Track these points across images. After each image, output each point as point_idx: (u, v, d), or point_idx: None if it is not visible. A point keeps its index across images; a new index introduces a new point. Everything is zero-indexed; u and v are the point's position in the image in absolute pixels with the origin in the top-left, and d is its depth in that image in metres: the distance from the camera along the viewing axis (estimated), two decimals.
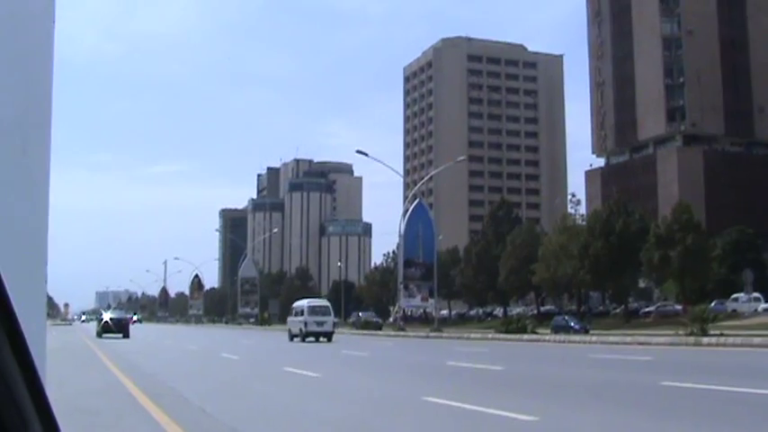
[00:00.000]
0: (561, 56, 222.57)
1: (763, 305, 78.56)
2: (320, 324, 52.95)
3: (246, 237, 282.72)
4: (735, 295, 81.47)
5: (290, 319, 58.37)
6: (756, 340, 35.34)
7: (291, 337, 55.03)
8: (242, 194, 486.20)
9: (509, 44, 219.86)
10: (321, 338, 52.07)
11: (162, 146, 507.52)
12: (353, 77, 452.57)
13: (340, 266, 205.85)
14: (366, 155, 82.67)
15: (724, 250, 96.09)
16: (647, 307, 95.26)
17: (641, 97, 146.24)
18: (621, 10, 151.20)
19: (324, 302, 60.17)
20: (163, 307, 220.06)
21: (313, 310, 54.24)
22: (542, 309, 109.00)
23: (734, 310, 76.50)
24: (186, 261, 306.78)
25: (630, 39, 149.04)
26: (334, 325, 57.31)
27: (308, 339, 51.93)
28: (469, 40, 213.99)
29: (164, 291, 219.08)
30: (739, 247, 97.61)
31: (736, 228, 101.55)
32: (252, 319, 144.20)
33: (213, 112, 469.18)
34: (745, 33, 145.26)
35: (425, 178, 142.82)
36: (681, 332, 42.10)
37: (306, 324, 52.75)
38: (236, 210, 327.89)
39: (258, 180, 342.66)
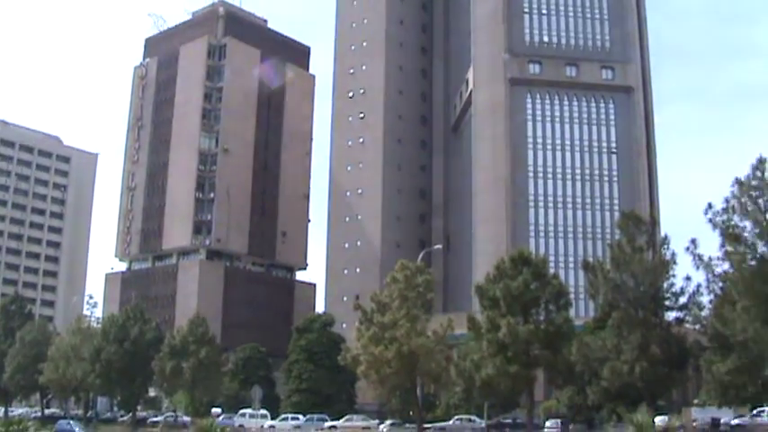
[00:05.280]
0: (96, 155, 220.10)
1: (269, 422, 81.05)
2: None
3: None
4: (243, 410, 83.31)
5: None
6: None
7: None
8: None
9: (46, 135, 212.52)
10: None
11: None
12: None
13: None
14: None
15: (236, 366, 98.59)
16: (156, 416, 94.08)
17: (171, 207, 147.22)
18: (163, 119, 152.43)
19: None
20: None
21: None
22: (47, 411, 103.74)
23: (241, 425, 78.37)
24: None
25: (168, 148, 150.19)
26: None
27: None
28: (6, 123, 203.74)
29: None
30: (251, 363, 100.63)
31: (249, 345, 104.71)
32: None
33: None
34: (278, 162, 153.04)
35: None
36: None
37: None
38: None
39: None
